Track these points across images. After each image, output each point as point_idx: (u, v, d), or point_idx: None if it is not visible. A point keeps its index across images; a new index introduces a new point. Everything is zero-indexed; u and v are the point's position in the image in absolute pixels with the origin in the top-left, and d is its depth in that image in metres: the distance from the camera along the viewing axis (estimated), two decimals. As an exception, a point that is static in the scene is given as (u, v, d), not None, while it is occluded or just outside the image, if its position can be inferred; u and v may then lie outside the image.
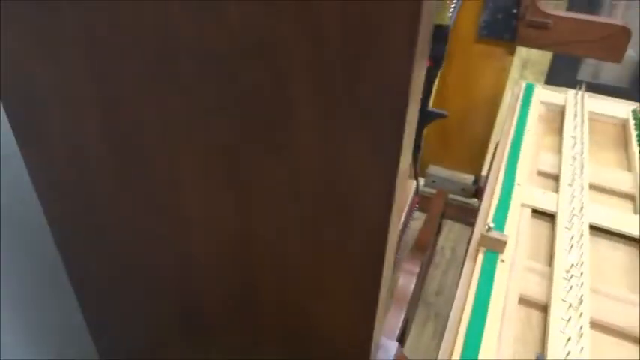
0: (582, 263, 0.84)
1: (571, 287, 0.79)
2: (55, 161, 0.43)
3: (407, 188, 1.30)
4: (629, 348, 0.76)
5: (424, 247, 1.27)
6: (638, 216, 0.96)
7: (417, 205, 1.42)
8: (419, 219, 1.49)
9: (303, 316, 0.39)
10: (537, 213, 0.99)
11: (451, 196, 1.66)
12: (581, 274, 0.81)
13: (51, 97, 0.41)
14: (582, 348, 0.70)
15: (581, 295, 0.78)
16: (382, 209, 0.33)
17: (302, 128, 0.33)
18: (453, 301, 0.81)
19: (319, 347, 0.41)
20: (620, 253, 0.92)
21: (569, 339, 0.71)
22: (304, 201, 0.34)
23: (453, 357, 0.72)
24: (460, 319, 0.77)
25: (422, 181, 1.67)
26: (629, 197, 1.03)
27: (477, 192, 1.59)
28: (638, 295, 0.82)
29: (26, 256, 0.94)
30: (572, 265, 0.83)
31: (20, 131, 0.43)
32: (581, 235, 0.89)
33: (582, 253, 0.86)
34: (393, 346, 0.45)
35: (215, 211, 0.37)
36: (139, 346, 0.53)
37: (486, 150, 1.58)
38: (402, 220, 1.29)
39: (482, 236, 0.88)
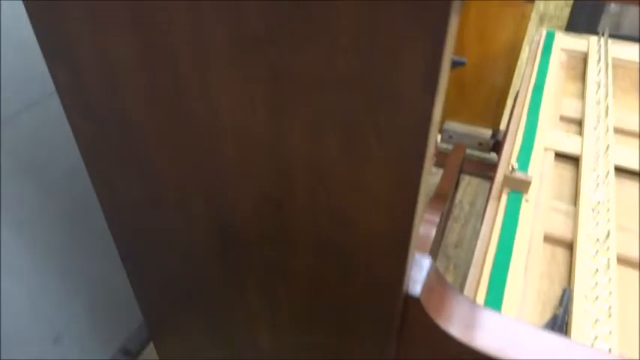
0: (609, 201, 0.83)
1: (597, 223, 0.78)
2: (85, 78, 0.43)
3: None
4: (656, 282, 0.75)
5: (444, 197, 1.26)
6: (664, 156, 0.95)
7: (434, 158, 1.41)
8: (436, 174, 1.49)
9: (339, 221, 0.39)
10: (561, 156, 0.98)
11: (469, 151, 1.64)
12: (608, 210, 0.81)
13: (80, 11, 0.40)
14: (610, 279, 0.70)
15: (608, 231, 0.77)
16: (426, 94, 0.32)
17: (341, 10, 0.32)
18: (472, 253, 0.81)
19: (355, 257, 0.41)
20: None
21: (596, 271, 0.71)
22: (339, 89, 0.34)
23: (479, 292, 0.72)
24: (485, 257, 0.77)
25: (438, 137, 1.66)
26: (655, 139, 1.01)
27: (495, 146, 1.57)
28: (665, 231, 0.81)
29: (53, 201, 0.95)
30: (599, 202, 0.82)
31: (49, 48, 0.43)
32: (607, 174, 0.88)
33: (608, 193, 0.85)
34: (426, 261, 0.44)
35: (245, 114, 0.37)
36: (177, 270, 0.54)
37: (505, 103, 1.55)
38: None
39: (506, 177, 0.87)
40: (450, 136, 1.64)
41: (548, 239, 0.81)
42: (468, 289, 0.74)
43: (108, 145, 0.46)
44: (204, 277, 0.52)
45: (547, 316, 0.70)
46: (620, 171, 0.93)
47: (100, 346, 1.18)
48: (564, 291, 0.72)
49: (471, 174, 1.68)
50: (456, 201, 1.67)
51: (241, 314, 0.55)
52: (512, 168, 0.87)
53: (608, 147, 0.93)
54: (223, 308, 0.57)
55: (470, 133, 1.62)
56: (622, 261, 0.77)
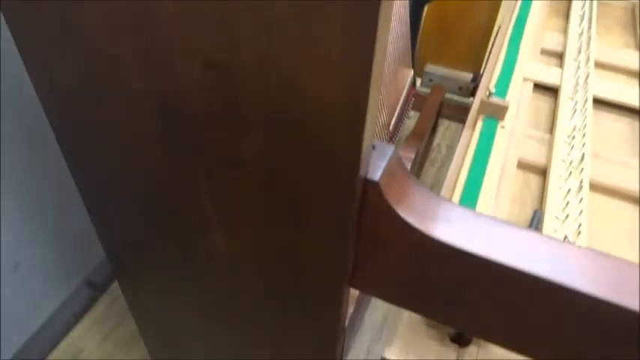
0: (585, 127, 0.80)
1: (572, 147, 0.76)
2: None
3: (403, 75, 1.25)
4: (627, 208, 0.74)
5: (420, 136, 1.23)
6: (643, 90, 0.92)
7: (412, 98, 1.38)
8: (414, 118, 1.46)
9: (290, 89, 0.35)
10: (540, 88, 0.95)
11: (449, 95, 1.61)
12: (583, 136, 0.79)
13: None
14: (581, 199, 0.68)
15: (582, 154, 0.75)
16: None
17: None
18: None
19: (309, 133, 0.38)
20: (623, 124, 0.89)
21: (568, 191, 0.69)
22: None
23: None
24: (456, 181, 0.75)
25: (418, 81, 1.62)
26: (635, 74, 0.99)
27: (475, 90, 1.54)
28: (638, 159, 0.80)
29: (6, 118, 0.90)
30: (575, 128, 0.80)
31: None
32: (585, 103, 0.85)
33: (585, 118, 0.82)
34: (389, 149, 0.41)
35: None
36: (125, 170, 0.50)
37: (487, 46, 1.51)
38: (398, 109, 1.25)
39: (483, 102, 0.84)
40: (430, 80, 1.61)
41: (522, 166, 0.80)
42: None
43: (41, 19, 0.41)
44: (151, 172, 0.49)
45: (516, 236, 0.68)
46: (599, 103, 0.91)
47: (63, 276, 1.14)
48: (535, 212, 0.70)
49: (450, 118, 1.65)
50: (434, 144, 1.64)
51: (195, 216, 0.52)
52: (489, 93, 0.84)
53: (588, 76, 0.90)
54: (176, 212, 0.54)
55: (450, 77, 1.59)
56: (595, 187, 0.75)
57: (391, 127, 1.17)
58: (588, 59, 0.95)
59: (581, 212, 0.66)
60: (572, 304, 0.40)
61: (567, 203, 0.67)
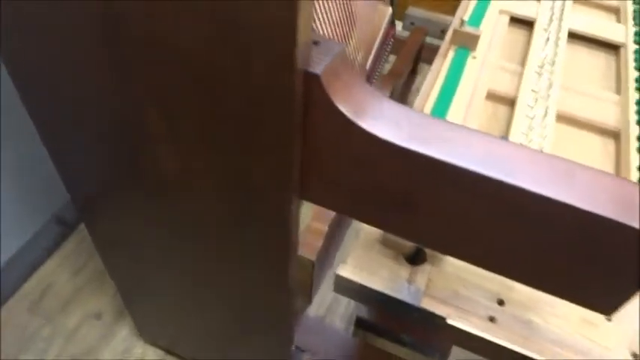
0: (555, 62, 0.79)
1: (540, 76, 0.75)
2: None
3: (379, 13, 1.21)
4: (595, 139, 0.74)
5: (396, 76, 1.21)
6: (621, 25, 0.90)
7: (392, 39, 1.34)
8: (392, 62, 1.43)
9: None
10: (516, 21, 0.92)
11: (430, 39, 1.58)
12: (552, 65, 0.77)
13: None
14: (546, 126, 0.67)
15: (550, 83, 0.74)
16: None
17: None
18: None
19: (247, 28, 0.36)
20: (598, 59, 0.87)
21: (533, 117, 0.68)
22: None
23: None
24: (422, 109, 0.74)
25: (399, 25, 1.58)
26: (613, 10, 0.96)
27: (457, 33, 1.50)
28: (611, 93, 0.79)
29: None
30: (545, 59, 0.78)
31: None
32: (558, 35, 0.83)
33: (557, 52, 0.81)
34: (336, 47, 0.39)
35: None
36: (72, 90, 0.48)
37: (470, -13, 1.47)
38: (375, 49, 1.21)
39: (455, 31, 0.82)
40: (412, 23, 1.57)
41: (492, 97, 0.78)
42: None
43: None
44: (96, 89, 0.47)
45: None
46: (575, 37, 0.89)
47: (29, 212, 1.13)
48: (500, 138, 0.69)
49: (431, 62, 1.62)
50: (413, 88, 1.62)
51: (140, 132, 0.51)
52: (462, 22, 0.81)
53: (563, 10, 0.88)
54: (122, 133, 0.52)
55: (432, 20, 1.55)
56: (563, 118, 0.74)
57: (367, 67, 1.14)
58: (563, -7, 0.92)
59: (544, 138, 0.66)
60: (521, 206, 0.39)
61: (531, 129, 0.66)
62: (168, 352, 1.10)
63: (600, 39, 0.88)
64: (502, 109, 0.77)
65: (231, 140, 0.46)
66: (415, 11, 1.57)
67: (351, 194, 0.46)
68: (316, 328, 1.09)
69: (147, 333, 1.08)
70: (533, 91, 0.74)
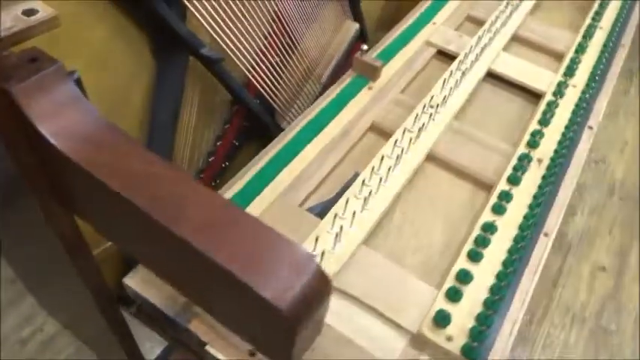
0: (448, 98, 0.75)
1: (419, 117, 0.72)
2: None
3: (342, 26, 1.18)
4: (462, 185, 0.70)
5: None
6: (551, 73, 0.84)
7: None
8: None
9: None
10: (443, 55, 0.89)
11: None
12: (437, 106, 0.73)
13: None
14: (394, 166, 0.64)
15: (423, 125, 0.70)
16: None
17: None
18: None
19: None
20: (512, 105, 0.82)
21: (382, 158, 0.65)
22: None
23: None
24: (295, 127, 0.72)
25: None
26: (558, 56, 0.90)
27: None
28: (501, 142, 0.74)
29: None
30: (444, 98, 0.74)
31: None
32: (464, 74, 0.79)
33: (453, 90, 0.76)
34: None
35: None
36: None
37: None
38: (334, 60, 1.17)
39: (355, 59, 0.80)
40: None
41: (376, 129, 0.75)
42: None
43: None
44: None
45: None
46: (497, 78, 0.85)
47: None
48: (355, 174, 0.67)
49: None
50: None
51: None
52: (362, 51, 0.79)
53: (484, 48, 0.84)
54: None
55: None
56: (433, 159, 0.71)
57: (323, 79, 1.11)
58: (497, 32, 0.87)
59: (384, 179, 0.63)
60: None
61: (373, 169, 0.63)
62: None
63: (519, 84, 0.83)
64: (381, 143, 0.73)
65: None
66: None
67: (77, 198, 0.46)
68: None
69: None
70: (407, 129, 0.70)
